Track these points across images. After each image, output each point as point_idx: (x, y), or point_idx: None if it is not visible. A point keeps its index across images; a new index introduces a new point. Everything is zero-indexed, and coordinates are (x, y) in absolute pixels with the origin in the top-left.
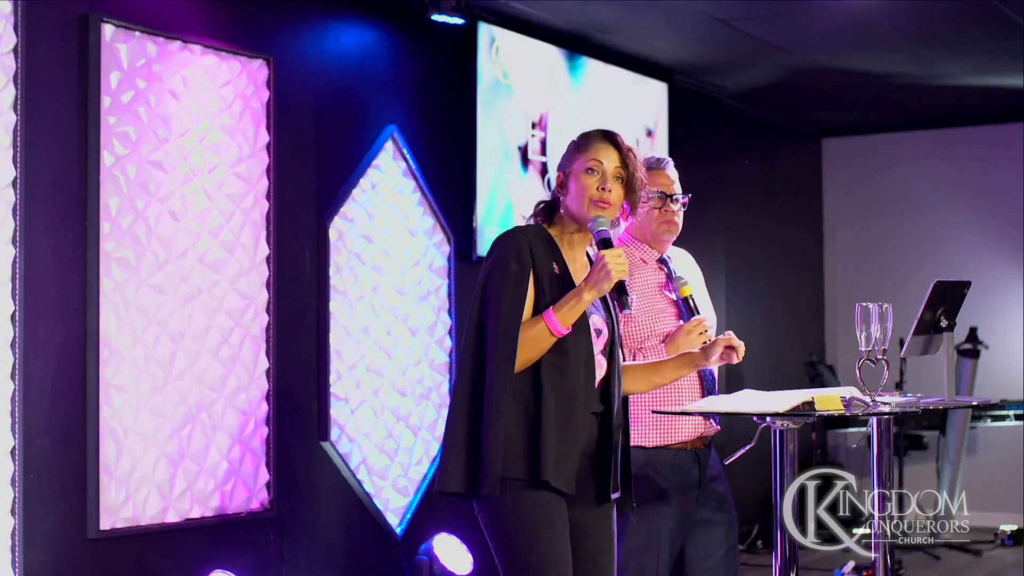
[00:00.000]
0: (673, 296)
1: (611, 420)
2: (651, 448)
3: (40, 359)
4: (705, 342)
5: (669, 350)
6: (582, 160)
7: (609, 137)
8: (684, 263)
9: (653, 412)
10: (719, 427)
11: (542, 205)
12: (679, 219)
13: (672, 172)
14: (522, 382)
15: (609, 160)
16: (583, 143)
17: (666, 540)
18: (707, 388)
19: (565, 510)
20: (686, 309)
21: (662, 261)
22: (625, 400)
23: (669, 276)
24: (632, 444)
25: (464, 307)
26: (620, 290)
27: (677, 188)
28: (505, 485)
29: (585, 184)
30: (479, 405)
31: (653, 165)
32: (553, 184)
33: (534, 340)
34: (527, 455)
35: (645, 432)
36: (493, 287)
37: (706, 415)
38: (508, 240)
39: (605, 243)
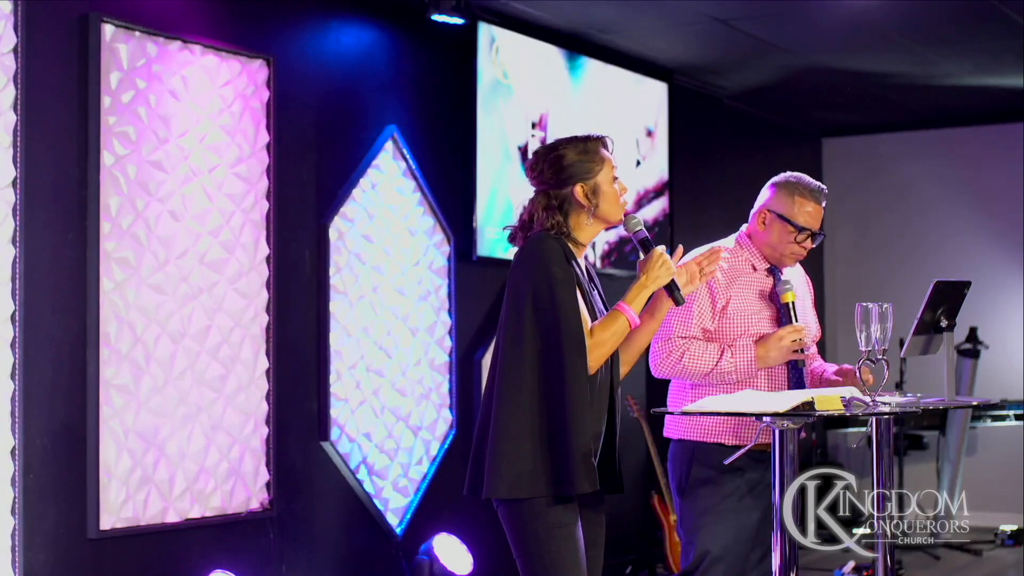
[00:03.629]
0: (776, 305)
1: (615, 410)
2: (730, 445)
3: (40, 359)
4: (798, 351)
5: (759, 353)
6: (606, 171)
7: (606, 143)
8: (796, 278)
9: (652, 412)
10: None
11: (552, 212)
12: (807, 252)
13: (824, 205)
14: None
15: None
16: (597, 152)
17: (742, 539)
18: (793, 382)
19: (577, 504)
20: (785, 315)
21: (771, 270)
22: None
23: (776, 284)
24: (713, 441)
25: (464, 307)
26: (673, 285)
27: (820, 222)
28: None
29: (615, 193)
30: (549, 410)
31: (811, 192)
32: (577, 196)
33: (618, 334)
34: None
35: (724, 431)
36: (544, 294)
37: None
38: (542, 247)
39: (646, 242)
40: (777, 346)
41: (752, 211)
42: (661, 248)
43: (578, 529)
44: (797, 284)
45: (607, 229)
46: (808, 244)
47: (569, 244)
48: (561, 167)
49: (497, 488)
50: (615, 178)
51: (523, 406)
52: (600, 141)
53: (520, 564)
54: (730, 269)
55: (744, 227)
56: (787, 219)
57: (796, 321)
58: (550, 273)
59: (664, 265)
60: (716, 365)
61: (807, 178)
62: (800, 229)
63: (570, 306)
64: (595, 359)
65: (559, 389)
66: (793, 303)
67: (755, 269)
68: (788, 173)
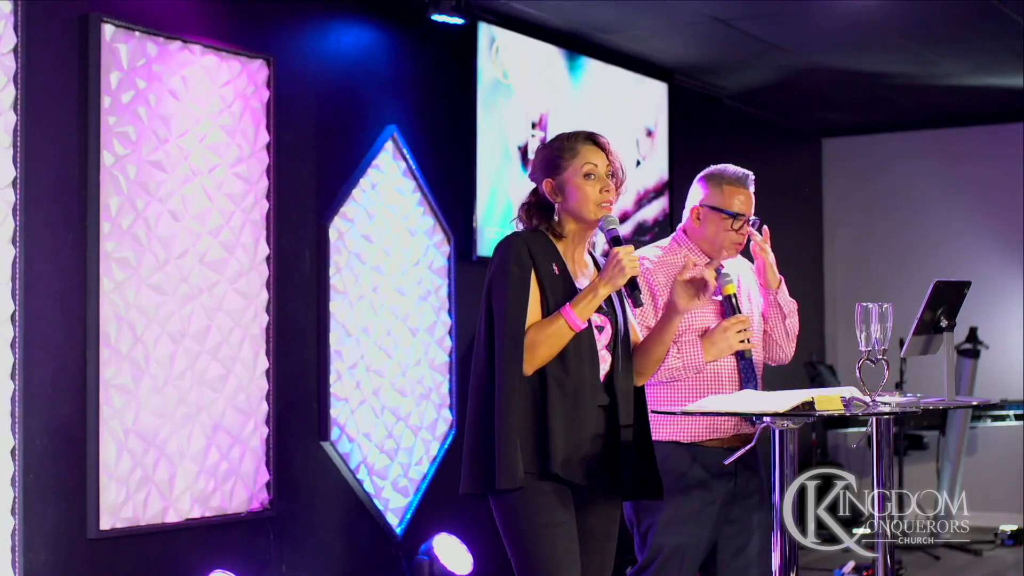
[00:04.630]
0: (718, 298)
1: (617, 412)
2: (686, 444)
3: (40, 359)
4: (743, 341)
5: (705, 346)
6: (576, 167)
7: (593, 138)
8: (742, 269)
9: (653, 412)
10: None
11: (530, 208)
12: (746, 238)
13: (752, 190)
14: (531, 380)
15: (600, 161)
16: (570, 149)
17: (695, 536)
18: (745, 386)
19: (568, 500)
20: (728, 307)
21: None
22: (640, 392)
23: (717, 278)
24: (668, 440)
25: (464, 307)
26: (632, 285)
27: (753, 207)
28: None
29: (587, 191)
30: (492, 407)
31: (738, 180)
32: (545, 192)
33: (554, 336)
34: (536, 448)
35: (681, 429)
36: (497, 292)
37: (745, 416)
38: (508, 245)
39: (616, 241)
40: (723, 337)
41: (685, 210)
42: (621, 248)
43: (571, 527)
44: (743, 274)
45: (597, 228)
46: (745, 231)
47: (552, 239)
48: (537, 162)
49: (462, 484)
50: (587, 176)
51: (475, 405)
52: (581, 137)
53: (512, 561)
54: (669, 267)
55: (679, 226)
56: (720, 209)
57: (740, 312)
58: (507, 271)
59: (618, 265)
60: (664, 362)
61: (731, 167)
62: (735, 216)
63: (515, 305)
64: (529, 359)
65: (495, 389)
66: (735, 295)
67: (695, 265)
68: (712, 167)
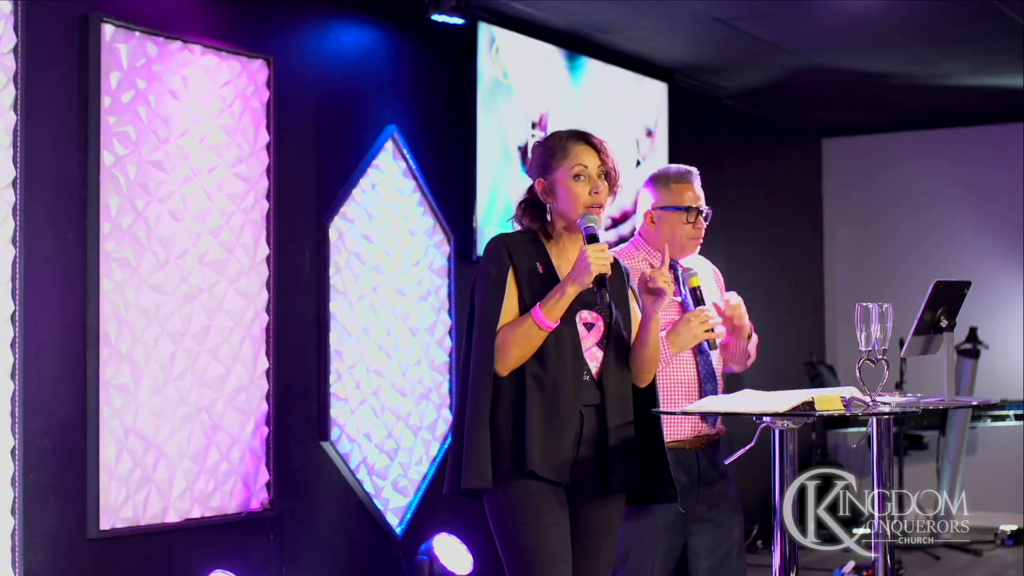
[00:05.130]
0: (678, 299)
1: (606, 411)
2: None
3: (40, 359)
4: (708, 330)
5: (670, 339)
6: (566, 168)
7: (584, 138)
8: (705, 271)
9: (652, 412)
10: (723, 427)
11: (525, 206)
12: (703, 231)
13: (699, 184)
14: (510, 379)
15: (591, 161)
16: (561, 149)
17: (662, 539)
18: (704, 386)
19: (562, 500)
20: (692, 299)
21: (671, 265)
22: (644, 392)
23: (677, 279)
24: None
25: (464, 307)
26: (600, 283)
27: (703, 200)
28: (496, 477)
29: (576, 192)
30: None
31: (682, 176)
32: (537, 192)
33: (524, 336)
34: (513, 447)
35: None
36: (476, 294)
37: (704, 416)
38: (488, 247)
39: (591, 239)
40: (686, 328)
41: (639, 217)
42: (590, 246)
43: (562, 527)
44: (706, 278)
45: (573, 227)
46: (701, 224)
47: (543, 238)
48: (531, 160)
49: (445, 484)
50: (576, 177)
51: (458, 406)
52: (573, 137)
53: (503, 560)
54: (631, 270)
55: (635, 234)
56: (673, 207)
57: (704, 304)
58: (486, 273)
59: (584, 263)
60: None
61: (674, 166)
62: (688, 209)
63: (489, 306)
64: (501, 360)
65: (468, 387)
66: (699, 288)
67: (653, 267)
68: (655, 171)
